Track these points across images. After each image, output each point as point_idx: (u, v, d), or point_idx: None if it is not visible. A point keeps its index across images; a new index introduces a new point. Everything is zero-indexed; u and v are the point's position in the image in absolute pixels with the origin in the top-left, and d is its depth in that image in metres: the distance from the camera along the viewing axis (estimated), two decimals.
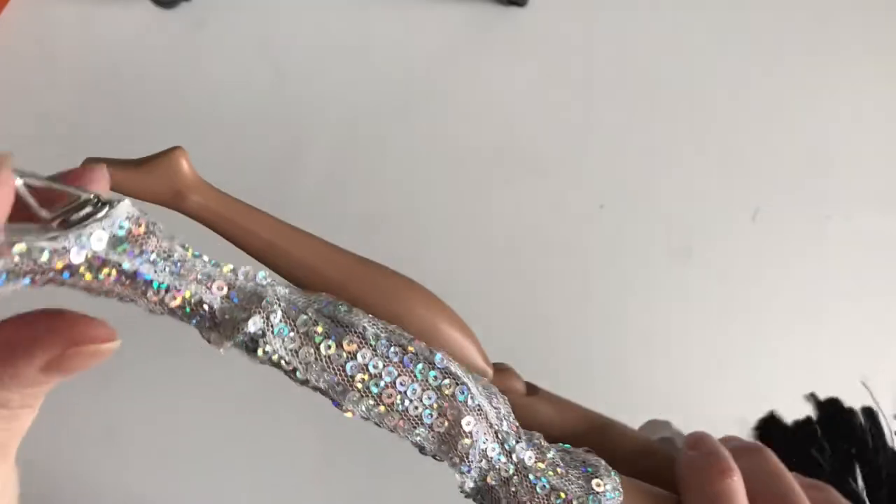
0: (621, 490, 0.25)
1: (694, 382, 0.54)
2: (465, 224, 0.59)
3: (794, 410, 0.53)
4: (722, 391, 0.54)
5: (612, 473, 0.25)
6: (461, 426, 0.23)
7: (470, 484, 0.24)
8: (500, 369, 0.30)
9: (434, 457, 0.24)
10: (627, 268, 0.57)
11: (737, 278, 0.56)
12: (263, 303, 0.22)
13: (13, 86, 0.64)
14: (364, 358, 0.23)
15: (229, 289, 0.22)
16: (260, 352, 0.23)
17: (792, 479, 0.28)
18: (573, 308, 0.56)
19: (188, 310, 0.22)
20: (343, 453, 0.51)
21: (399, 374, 0.23)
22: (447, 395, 0.23)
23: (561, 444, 0.26)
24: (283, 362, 0.23)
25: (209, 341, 0.23)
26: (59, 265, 0.19)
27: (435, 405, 0.23)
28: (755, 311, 0.55)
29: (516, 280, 0.57)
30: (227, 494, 0.50)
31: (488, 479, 0.24)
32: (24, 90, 0.63)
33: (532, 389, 0.31)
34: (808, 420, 0.41)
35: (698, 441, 0.30)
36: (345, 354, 0.23)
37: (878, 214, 0.58)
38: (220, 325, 0.22)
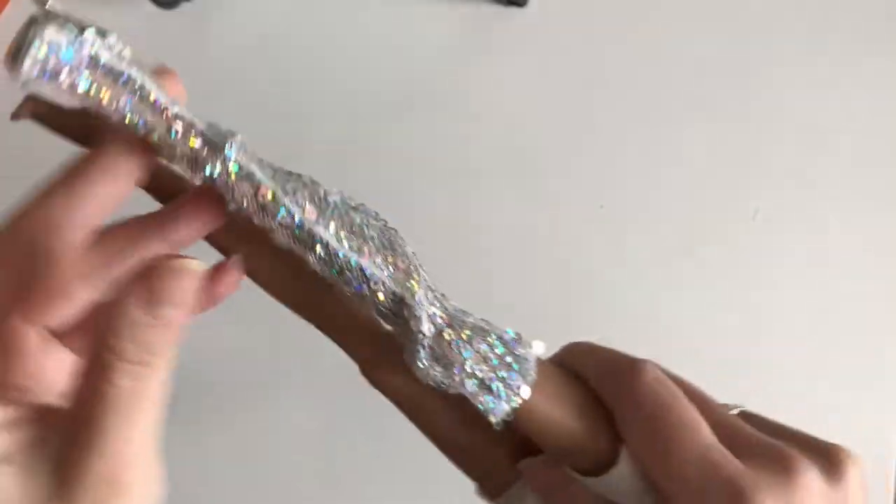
0: (535, 367, 0.25)
1: (692, 381, 0.54)
2: (464, 224, 0.59)
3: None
4: (721, 391, 0.54)
5: (532, 349, 0.26)
6: (412, 276, 0.25)
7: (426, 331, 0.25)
8: None
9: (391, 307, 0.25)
10: (628, 268, 0.57)
11: (737, 278, 0.56)
12: (226, 152, 0.23)
13: (13, 86, 0.63)
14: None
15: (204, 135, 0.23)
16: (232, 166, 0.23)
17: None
18: (573, 308, 0.56)
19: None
20: (344, 449, 0.51)
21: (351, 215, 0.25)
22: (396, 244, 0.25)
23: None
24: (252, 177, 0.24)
25: None
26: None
27: (388, 256, 0.25)
28: (755, 311, 0.55)
29: (516, 280, 0.57)
30: (226, 489, 0.50)
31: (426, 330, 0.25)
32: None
33: None
34: None
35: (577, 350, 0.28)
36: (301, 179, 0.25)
37: (878, 214, 0.58)
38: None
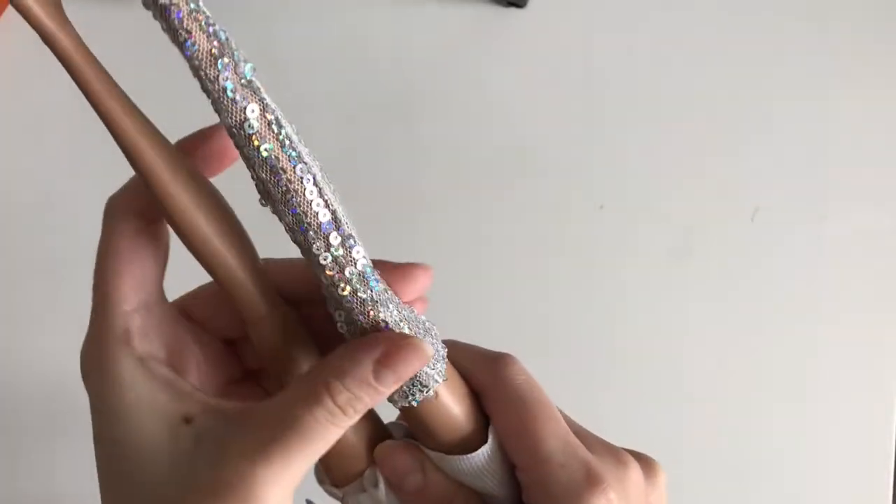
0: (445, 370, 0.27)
1: (693, 381, 0.54)
2: (464, 224, 0.59)
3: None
4: (721, 390, 0.54)
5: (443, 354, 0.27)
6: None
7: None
8: None
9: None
10: (627, 268, 0.57)
11: (736, 278, 0.56)
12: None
13: (13, 86, 0.64)
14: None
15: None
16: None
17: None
18: (572, 308, 0.56)
19: None
20: None
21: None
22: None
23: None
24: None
25: None
26: None
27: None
28: (754, 311, 0.55)
29: (516, 280, 0.57)
30: None
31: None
32: (25, 90, 0.63)
33: None
34: None
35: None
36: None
37: (878, 214, 0.58)
38: None
